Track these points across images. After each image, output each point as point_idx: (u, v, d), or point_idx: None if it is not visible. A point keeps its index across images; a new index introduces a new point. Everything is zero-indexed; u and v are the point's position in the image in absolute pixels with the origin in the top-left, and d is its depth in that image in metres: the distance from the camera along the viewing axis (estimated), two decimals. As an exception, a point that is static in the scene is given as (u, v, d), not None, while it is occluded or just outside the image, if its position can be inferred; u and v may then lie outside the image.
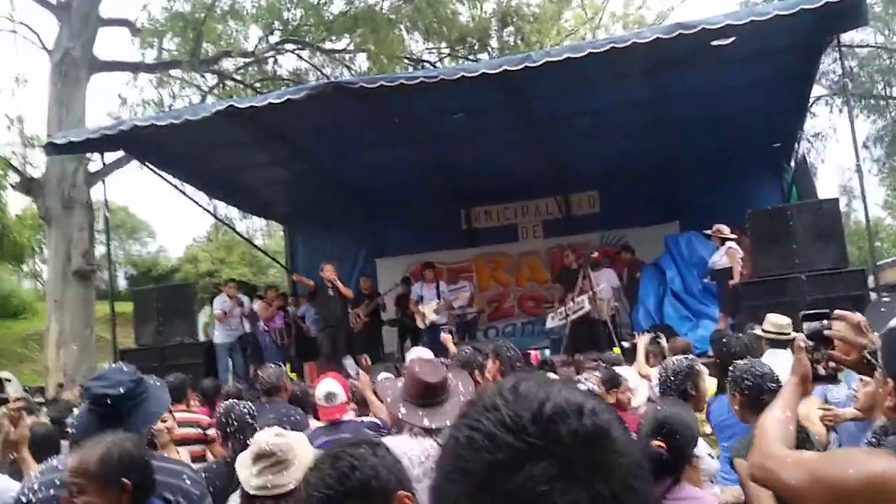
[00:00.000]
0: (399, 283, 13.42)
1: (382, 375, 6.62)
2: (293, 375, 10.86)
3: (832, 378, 2.32)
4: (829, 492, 1.66)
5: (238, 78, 19.93)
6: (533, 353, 10.46)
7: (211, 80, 19.98)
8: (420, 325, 11.71)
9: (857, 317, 2.18)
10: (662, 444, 2.75)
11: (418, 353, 5.63)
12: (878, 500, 1.56)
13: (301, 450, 3.37)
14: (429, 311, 11.56)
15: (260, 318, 12.32)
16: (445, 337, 7.51)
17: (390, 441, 3.40)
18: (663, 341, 7.03)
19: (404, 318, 12.87)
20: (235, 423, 4.08)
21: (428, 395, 3.46)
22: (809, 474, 1.72)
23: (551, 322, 11.60)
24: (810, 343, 2.30)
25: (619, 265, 12.59)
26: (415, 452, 3.24)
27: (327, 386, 4.82)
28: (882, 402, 1.78)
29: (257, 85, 19.57)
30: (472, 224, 15.38)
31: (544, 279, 14.47)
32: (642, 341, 6.74)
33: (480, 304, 14.31)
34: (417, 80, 8.95)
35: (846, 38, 12.16)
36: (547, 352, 10.79)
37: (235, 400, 4.53)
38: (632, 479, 0.79)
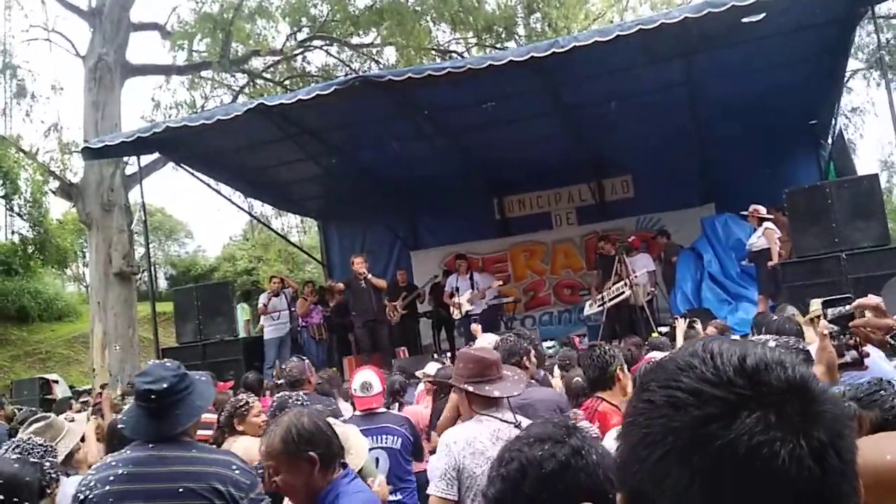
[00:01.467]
0: (438, 276, 13.46)
1: (430, 366, 6.69)
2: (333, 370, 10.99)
3: (859, 364, 2.28)
4: (865, 479, 1.63)
5: (268, 76, 20.09)
6: (576, 337, 10.46)
7: (241, 79, 20.18)
8: (456, 315, 11.72)
9: (875, 299, 2.14)
10: None
11: (487, 340, 5.67)
12: None
13: (356, 439, 3.42)
14: (464, 302, 11.57)
15: (298, 314, 12.46)
16: (475, 327, 7.57)
17: (456, 430, 3.42)
18: (698, 325, 6.96)
19: (438, 310, 12.91)
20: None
21: (488, 371, 3.45)
22: None
23: (589, 309, 11.54)
24: (834, 329, 2.26)
25: (655, 250, 12.49)
26: (484, 436, 3.24)
27: (364, 376, 4.89)
28: None
29: (287, 82, 19.70)
30: (505, 213, 15.34)
31: (580, 266, 14.40)
32: (681, 327, 6.69)
33: (516, 294, 14.29)
34: (445, 71, 8.93)
35: (882, 9, 11.91)
36: (585, 339, 10.78)
37: (287, 393, 4.66)
38: (841, 427, 0.79)
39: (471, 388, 3.43)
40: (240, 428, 4.59)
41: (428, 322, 13.48)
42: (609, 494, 1.43)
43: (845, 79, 14.39)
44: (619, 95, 10.62)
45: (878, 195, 8.76)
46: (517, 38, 19.82)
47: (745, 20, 8.27)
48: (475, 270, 12.39)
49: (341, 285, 11.33)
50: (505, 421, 3.30)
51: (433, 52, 19.81)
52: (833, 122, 12.57)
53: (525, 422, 3.26)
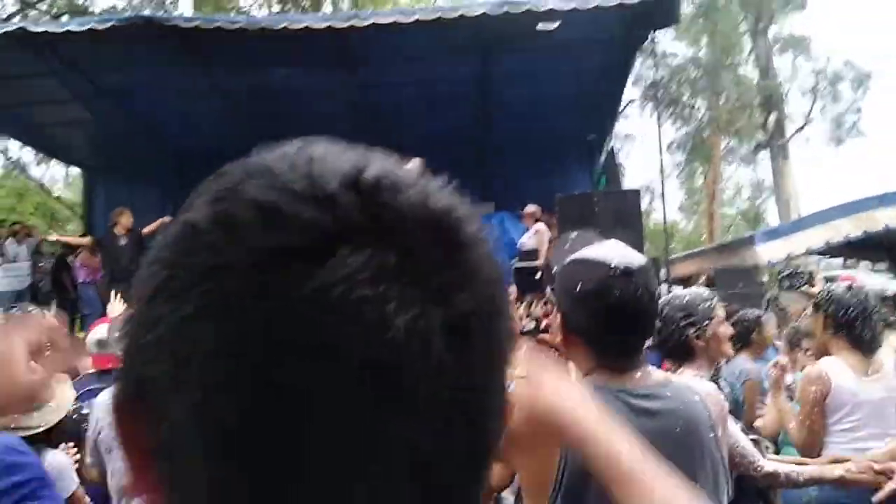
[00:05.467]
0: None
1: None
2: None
3: (534, 332, 2.39)
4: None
5: (43, 8, 18.23)
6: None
7: (11, 6, 18.15)
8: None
9: None
10: None
11: None
12: None
13: (61, 392, 3.04)
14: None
15: (81, 266, 11.28)
16: None
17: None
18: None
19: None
20: None
21: None
22: None
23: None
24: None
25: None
26: None
27: (100, 332, 4.42)
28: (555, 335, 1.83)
29: (65, 18, 17.97)
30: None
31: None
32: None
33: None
34: (237, 26, 8.50)
35: (660, 48, 12.89)
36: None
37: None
38: (498, 301, 0.48)
39: None
40: None
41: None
42: None
43: (622, 105, 15.48)
44: (413, 83, 10.65)
45: (637, 209, 9.40)
46: (324, 15, 19.46)
47: (540, 27, 8.59)
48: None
49: (84, 240, 10.40)
50: None
51: (233, 13, 18.95)
52: (607, 140, 13.43)
53: None
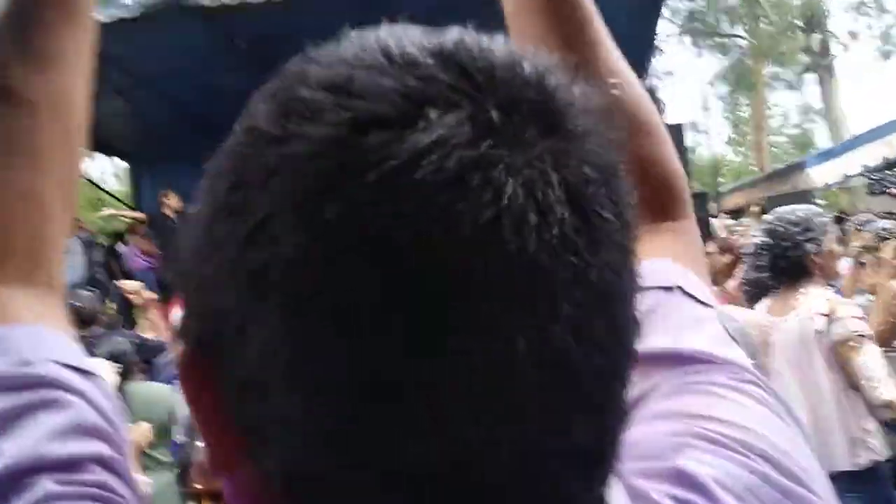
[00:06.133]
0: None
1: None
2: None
3: None
4: None
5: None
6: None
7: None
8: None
9: None
10: None
11: None
12: None
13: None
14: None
15: (141, 253, 11.51)
16: None
17: None
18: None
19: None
20: None
21: None
22: None
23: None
24: None
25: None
26: None
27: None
28: None
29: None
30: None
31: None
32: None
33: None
34: (264, 1, 8.52)
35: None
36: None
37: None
38: (612, 160, 0.38)
39: None
40: None
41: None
42: None
43: (657, 39, 15.12)
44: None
45: (680, 143, 9.23)
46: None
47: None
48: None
49: (141, 215, 10.59)
50: None
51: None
52: (645, 78, 13.15)
53: None
